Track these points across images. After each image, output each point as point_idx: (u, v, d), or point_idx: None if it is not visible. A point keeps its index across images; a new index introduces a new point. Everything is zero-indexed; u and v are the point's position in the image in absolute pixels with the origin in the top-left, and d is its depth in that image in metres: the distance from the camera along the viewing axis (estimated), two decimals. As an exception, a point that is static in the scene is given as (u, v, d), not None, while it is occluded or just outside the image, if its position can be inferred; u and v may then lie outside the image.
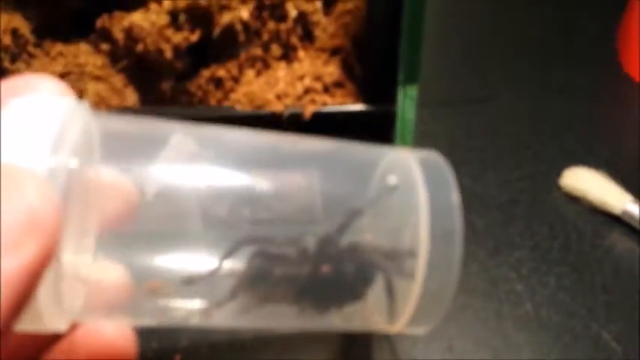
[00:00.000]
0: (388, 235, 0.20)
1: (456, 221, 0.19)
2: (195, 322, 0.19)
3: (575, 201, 0.46)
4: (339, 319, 0.20)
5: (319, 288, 0.18)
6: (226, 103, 0.36)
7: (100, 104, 0.36)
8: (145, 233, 0.17)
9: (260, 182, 0.19)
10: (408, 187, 0.19)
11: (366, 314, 0.20)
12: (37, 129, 0.13)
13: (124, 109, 0.37)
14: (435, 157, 0.20)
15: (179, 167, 0.18)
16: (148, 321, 0.19)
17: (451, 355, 0.38)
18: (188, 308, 0.18)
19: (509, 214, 0.46)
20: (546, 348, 0.38)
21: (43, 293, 0.13)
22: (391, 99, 0.35)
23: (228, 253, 0.18)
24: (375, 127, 0.36)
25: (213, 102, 0.37)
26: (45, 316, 0.14)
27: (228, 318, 0.19)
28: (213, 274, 0.17)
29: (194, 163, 0.18)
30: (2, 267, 0.11)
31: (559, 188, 0.47)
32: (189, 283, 0.17)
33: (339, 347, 0.38)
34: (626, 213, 0.44)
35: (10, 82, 0.16)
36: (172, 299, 0.18)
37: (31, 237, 0.11)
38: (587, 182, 0.46)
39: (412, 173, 0.19)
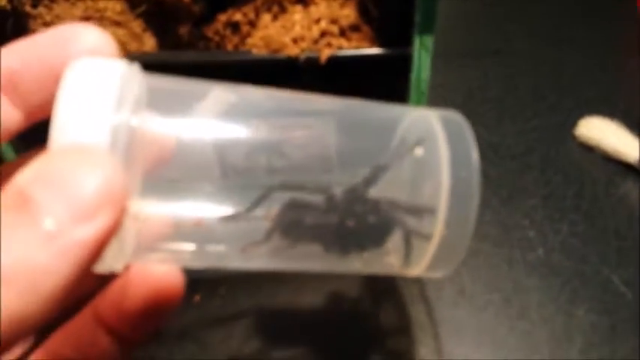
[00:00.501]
0: (410, 189, 0.21)
1: (475, 179, 0.20)
2: (232, 261, 0.21)
3: (590, 150, 0.46)
4: (361, 263, 0.21)
5: (343, 234, 0.20)
6: (243, 48, 0.36)
7: (119, 49, 0.37)
8: (183, 177, 0.19)
9: (289, 134, 0.20)
10: (430, 144, 0.20)
11: (386, 260, 0.21)
12: (101, 91, 0.15)
13: (143, 54, 0.37)
14: (455, 116, 0.21)
15: (215, 117, 0.19)
16: (192, 259, 0.20)
17: (462, 298, 0.39)
18: (227, 246, 0.20)
19: (524, 163, 0.46)
20: (555, 292, 0.39)
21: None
22: (407, 42, 0.35)
23: (262, 197, 0.19)
24: (391, 71, 0.36)
25: (230, 46, 0.37)
26: (107, 259, 0.16)
27: (262, 258, 0.20)
28: (249, 213, 0.19)
29: (229, 114, 0.19)
30: (80, 235, 0.13)
31: (574, 138, 0.47)
32: (228, 221, 0.19)
33: (361, 282, 0.39)
34: (640, 162, 0.44)
35: (59, 32, 0.18)
36: (213, 236, 0.19)
37: (103, 208, 0.13)
38: (601, 131, 0.46)
39: (434, 131, 0.20)
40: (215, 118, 0.19)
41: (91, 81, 0.15)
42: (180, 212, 0.18)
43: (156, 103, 0.18)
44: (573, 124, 0.48)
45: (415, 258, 0.21)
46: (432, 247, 0.20)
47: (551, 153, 0.47)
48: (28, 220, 0.12)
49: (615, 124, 0.46)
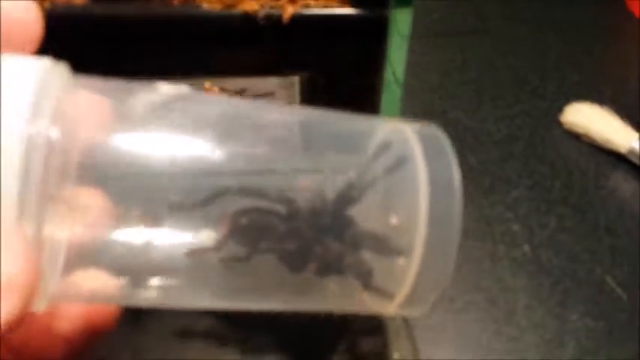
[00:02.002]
0: (383, 213, 0.19)
1: (457, 210, 0.18)
2: (174, 294, 0.19)
3: (578, 138, 0.43)
4: (326, 293, 0.19)
5: (302, 252, 0.18)
6: (192, 1, 0.31)
7: (43, 1, 0.31)
8: (130, 169, 0.17)
9: (245, 132, 0.19)
10: (407, 165, 0.18)
11: (352, 292, 0.19)
12: (15, 99, 0.14)
13: (71, 6, 0.32)
14: (434, 131, 0.19)
15: (160, 109, 0.18)
16: (127, 286, 0.18)
17: (441, 299, 0.34)
18: (172, 249, 0.18)
19: (506, 151, 0.42)
20: (545, 293, 0.35)
21: None
22: (383, 3, 0.31)
23: (217, 195, 0.17)
24: (364, 36, 0.32)
25: (176, 0, 0.32)
26: None
27: (212, 282, 0.18)
28: (201, 207, 0.17)
29: (177, 107, 0.18)
30: None
31: (560, 124, 0.44)
32: (175, 210, 0.17)
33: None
34: (631, 151, 0.41)
35: None
36: (157, 234, 0.17)
37: (10, 293, 0.14)
38: (590, 118, 0.43)
39: (412, 150, 0.18)
40: (160, 109, 0.17)
41: (5, 88, 0.14)
42: (123, 200, 0.17)
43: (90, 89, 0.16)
44: (559, 109, 0.44)
45: (387, 295, 0.18)
46: (404, 289, 0.18)
47: (536, 140, 0.43)
48: None
49: (603, 110, 0.42)
